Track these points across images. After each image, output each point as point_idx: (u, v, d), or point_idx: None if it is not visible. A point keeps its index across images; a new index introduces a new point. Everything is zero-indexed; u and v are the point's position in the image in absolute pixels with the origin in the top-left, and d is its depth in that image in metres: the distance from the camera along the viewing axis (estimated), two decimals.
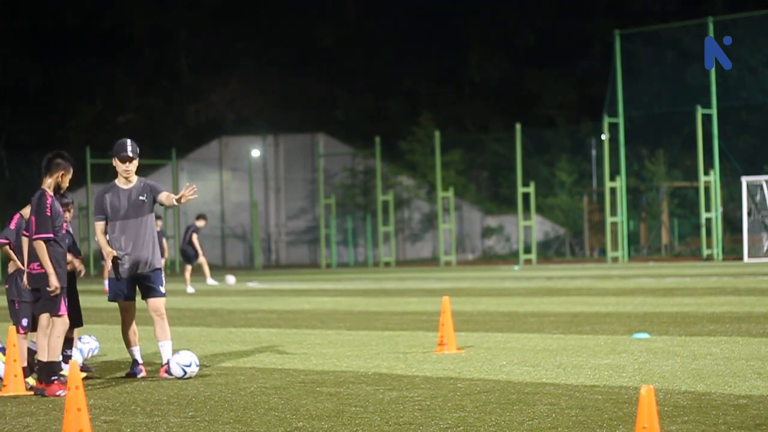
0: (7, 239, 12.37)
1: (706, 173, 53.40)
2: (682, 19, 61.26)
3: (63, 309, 11.46)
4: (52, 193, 11.59)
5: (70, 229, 13.43)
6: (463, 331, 16.61)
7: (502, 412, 9.34)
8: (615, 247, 57.40)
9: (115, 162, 12.75)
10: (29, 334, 12.22)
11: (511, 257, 66.11)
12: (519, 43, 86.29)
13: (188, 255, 35.29)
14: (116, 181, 12.81)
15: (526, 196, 61.01)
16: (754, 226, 49.75)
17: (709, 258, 52.59)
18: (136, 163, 12.73)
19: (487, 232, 73.83)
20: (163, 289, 12.84)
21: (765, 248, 49.09)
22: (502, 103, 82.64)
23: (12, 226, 12.32)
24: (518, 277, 38.47)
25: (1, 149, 70.19)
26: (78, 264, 12.93)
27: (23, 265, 12.09)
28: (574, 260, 61.64)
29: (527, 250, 61.46)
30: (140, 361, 12.88)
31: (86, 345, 13.70)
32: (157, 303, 12.74)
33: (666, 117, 58.51)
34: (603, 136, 58.45)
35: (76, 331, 13.17)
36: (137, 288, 12.84)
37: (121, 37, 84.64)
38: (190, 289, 34.67)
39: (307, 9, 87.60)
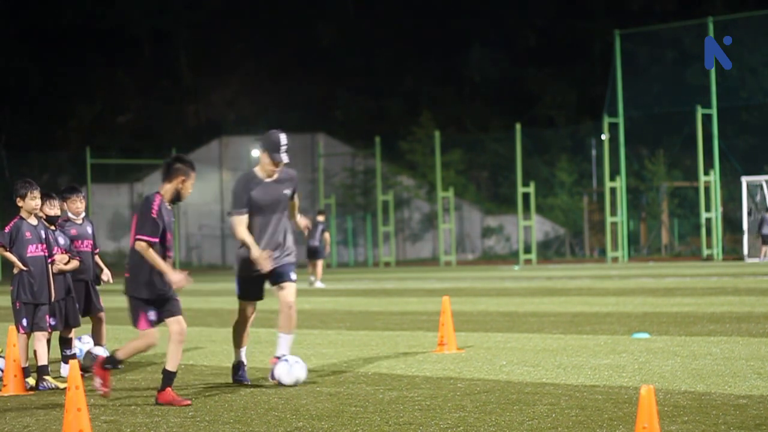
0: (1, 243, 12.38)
1: (706, 173, 53.39)
2: (682, 19, 61.24)
3: (143, 324, 10.54)
4: (168, 200, 10.63)
5: (73, 231, 13.44)
6: (463, 331, 16.61)
7: (502, 412, 9.34)
8: (615, 247, 57.39)
9: (264, 155, 11.76)
10: (33, 334, 12.22)
11: (511, 257, 66.10)
12: (519, 43, 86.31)
13: (319, 251, 35.59)
14: (257, 171, 11.78)
15: (526, 196, 61.01)
16: (754, 226, 49.74)
17: (709, 258, 52.58)
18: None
19: (487, 232, 73.83)
20: (294, 276, 11.79)
21: (762, 256, 48.63)
22: (502, 103, 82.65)
23: (7, 230, 12.31)
24: (518, 277, 38.46)
25: (1, 149, 70.16)
26: (73, 264, 12.91)
27: (23, 266, 12.10)
28: (574, 260, 61.64)
29: (527, 250, 61.46)
30: (246, 362, 12.02)
31: (86, 345, 13.69)
32: (290, 289, 11.66)
33: (666, 117, 58.49)
34: (603, 136, 58.45)
35: (74, 330, 13.18)
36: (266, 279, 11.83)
37: (121, 37, 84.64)
38: (319, 284, 35.13)
39: (307, 9, 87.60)
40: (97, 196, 65.28)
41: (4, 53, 79.83)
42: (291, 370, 11.40)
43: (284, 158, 11.66)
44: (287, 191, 11.74)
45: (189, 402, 10.30)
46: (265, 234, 11.60)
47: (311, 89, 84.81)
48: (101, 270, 13.73)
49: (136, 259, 10.48)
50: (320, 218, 36.13)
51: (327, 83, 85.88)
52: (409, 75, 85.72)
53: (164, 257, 10.49)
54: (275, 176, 11.68)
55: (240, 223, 11.49)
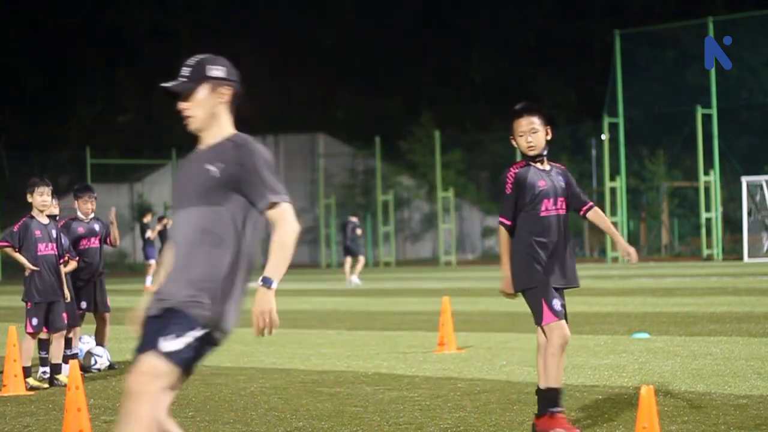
0: (7, 242, 12.37)
1: (706, 173, 53.37)
2: (682, 19, 61.20)
3: (549, 317, 8.08)
4: (520, 166, 8.46)
5: (80, 229, 13.50)
6: (463, 331, 16.60)
7: (502, 412, 9.34)
8: (615, 247, 57.32)
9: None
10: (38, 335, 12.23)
11: None
12: (519, 42, 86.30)
13: (353, 250, 37.49)
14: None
15: None
16: (754, 226, 49.72)
17: (709, 258, 52.56)
18: None
19: (487, 232, 73.80)
20: None
21: (765, 248, 49.05)
22: (502, 103, 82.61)
23: (15, 229, 12.31)
24: None
25: (1, 149, 70.16)
26: (72, 265, 12.93)
27: (33, 267, 12.10)
28: None
29: None
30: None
31: (86, 345, 13.71)
32: None
33: (666, 117, 58.46)
34: (603, 136, 58.43)
35: (74, 331, 13.18)
36: None
37: (121, 37, 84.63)
38: (356, 281, 36.41)
39: (307, 9, 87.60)
40: (97, 196, 65.27)
41: (3, 53, 79.79)
42: None
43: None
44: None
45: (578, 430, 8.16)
46: None
47: (311, 89, 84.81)
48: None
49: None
50: (353, 218, 37.92)
51: (327, 83, 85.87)
52: (409, 75, 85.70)
53: None
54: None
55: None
